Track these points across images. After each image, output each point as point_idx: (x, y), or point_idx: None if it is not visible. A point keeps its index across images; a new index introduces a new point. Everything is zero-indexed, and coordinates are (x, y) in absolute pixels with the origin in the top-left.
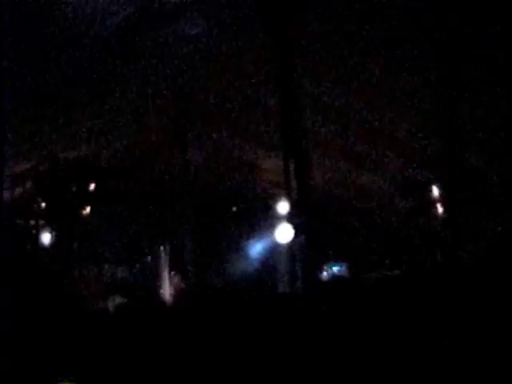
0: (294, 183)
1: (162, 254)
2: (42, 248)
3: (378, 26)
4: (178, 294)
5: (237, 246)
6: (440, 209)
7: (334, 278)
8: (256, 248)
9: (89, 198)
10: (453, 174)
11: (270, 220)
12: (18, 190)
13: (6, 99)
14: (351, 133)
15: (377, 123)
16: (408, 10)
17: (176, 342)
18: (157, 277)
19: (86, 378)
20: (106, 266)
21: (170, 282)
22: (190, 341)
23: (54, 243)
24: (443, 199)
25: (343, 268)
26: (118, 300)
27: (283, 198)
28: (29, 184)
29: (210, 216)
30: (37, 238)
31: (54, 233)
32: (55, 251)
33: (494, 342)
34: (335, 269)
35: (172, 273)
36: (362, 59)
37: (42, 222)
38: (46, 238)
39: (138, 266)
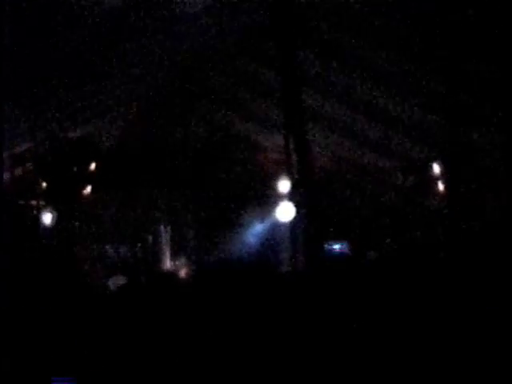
0: (294, 161)
1: (163, 234)
2: (44, 228)
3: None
4: (181, 275)
5: (238, 225)
6: (441, 186)
7: (336, 255)
8: (257, 227)
9: (90, 178)
10: (454, 151)
11: (271, 198)
12: (19, 171)
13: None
14: (352, 110)
15: (378, 101)
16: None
17: (180, 321)
18: (158, 256)
19: (90, 358)
20: (108, 246)
21: (175, 262)
22: (194, 320)
23: (55, 223)
24: (444, 176)
25: (345, 246)
26: (120, 279)
27: (284, 176)
28: (29, 164)
29: (210, 196)
30: (38, 218)
31: (55, 213)
32: (56, 231)
33: (499, 319)
34: (337, 247)
35: (181, 255)
36: (362, 40)
37: (42, 203)
38: (47, 218)
39: (139, 245)
